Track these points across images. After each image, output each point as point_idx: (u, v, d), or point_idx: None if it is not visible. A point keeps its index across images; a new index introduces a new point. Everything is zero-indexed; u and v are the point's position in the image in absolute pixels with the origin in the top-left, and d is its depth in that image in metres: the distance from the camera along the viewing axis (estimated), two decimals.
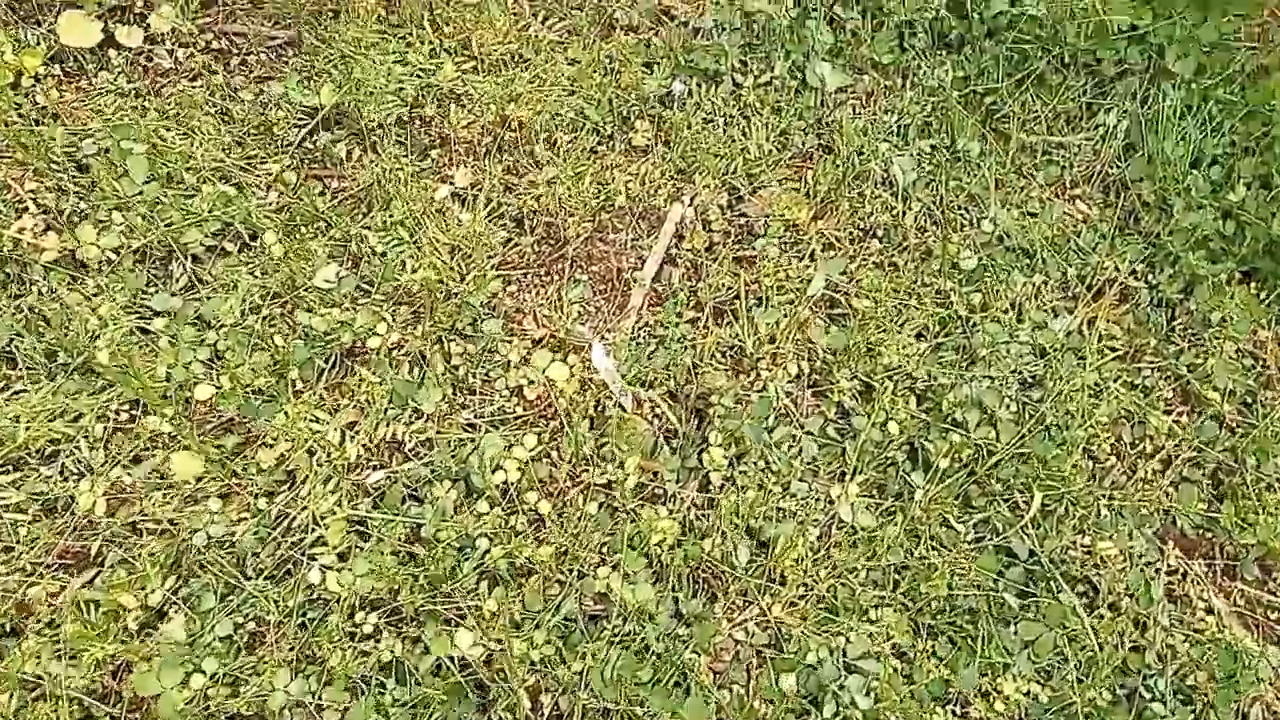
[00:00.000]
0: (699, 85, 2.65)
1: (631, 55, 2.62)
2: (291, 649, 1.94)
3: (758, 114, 2.63)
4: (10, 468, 2.05)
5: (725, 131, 2.60)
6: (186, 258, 2.28)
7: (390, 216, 2.34)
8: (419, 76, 2.49)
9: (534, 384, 2.20)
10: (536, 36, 2.63)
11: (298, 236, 2.31)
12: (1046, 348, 2.41)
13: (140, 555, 2.00)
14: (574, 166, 2.47)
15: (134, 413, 2.13)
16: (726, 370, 2.34)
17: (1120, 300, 2.56)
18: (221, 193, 2.28)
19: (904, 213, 2.53)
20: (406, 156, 2.46)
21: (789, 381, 2.31)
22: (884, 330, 2.36)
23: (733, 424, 2.17)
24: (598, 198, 2.47)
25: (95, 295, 2.18)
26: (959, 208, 2.61)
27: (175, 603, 1.97)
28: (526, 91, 2.48)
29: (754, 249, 2.47)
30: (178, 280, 2.27)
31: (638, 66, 2.61)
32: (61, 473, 2.07)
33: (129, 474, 2.05)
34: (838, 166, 2.54)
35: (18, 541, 1.99)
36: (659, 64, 2.68)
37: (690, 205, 2.49)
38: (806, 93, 2.69)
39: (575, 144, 2.51)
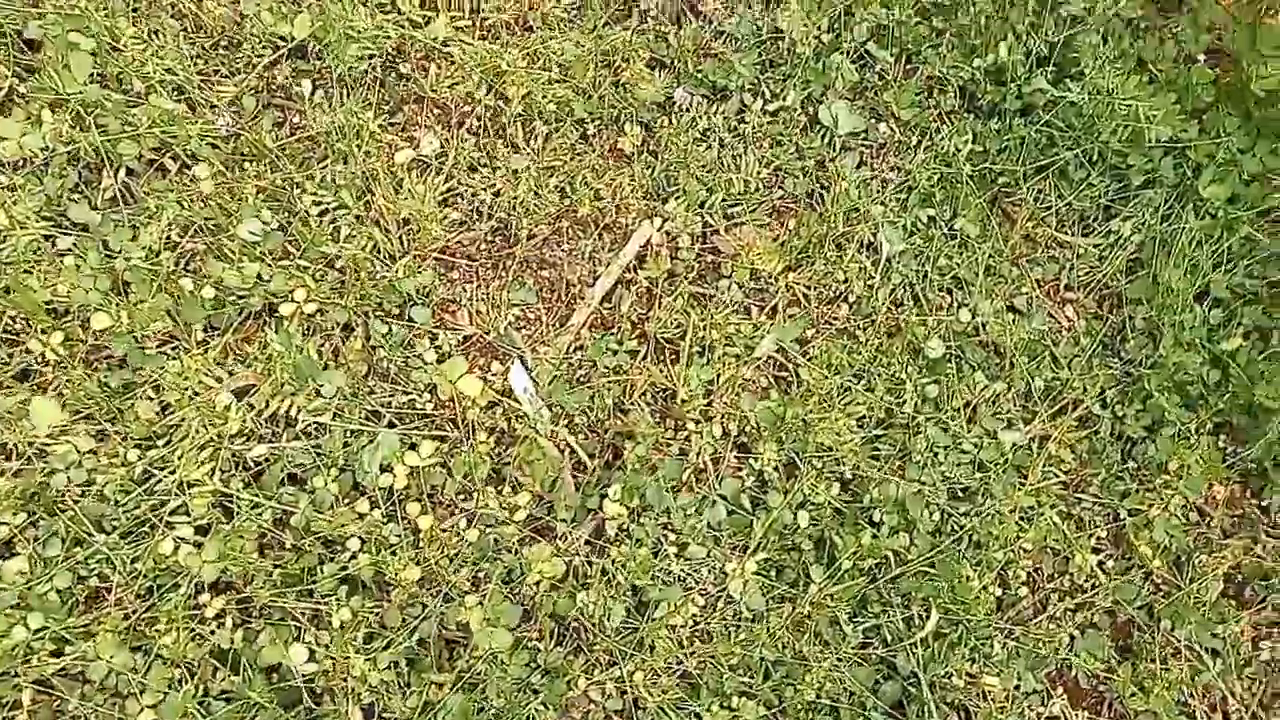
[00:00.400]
0: (703, 99, 2.47)
1: (638, 49, 2.43)
2: (127, 618, 1.86)
3: (756, 143, 2.45)
4: None
5: (718, 155, 2.43)
6: (118, 169, 2.14)
7: (338, 171, 2.19)
8: (406, 26, 2.30)
9: (446, 386, 2.09)
10: (544, 5, 2.43)
11: (236, 174, 2.16)
12: (987, 463, 2.29)
13: None
14: (547, 159, 2.31)
15: (22, 327, 2.01)
16: (653, 413, 2.22)
17: (1079, 424, 2.43)
18: (166, 110, 2.11)
19: (880, 285, 2.38)
20: (373, 109, 2.29)
21: (715, 440, 2.19)
22: (825, 407, 2.24)
23: (638, 479, 2.06)
24: (564, 199, 2.31)
25: (9, 190, 2.03)
26: (941, 289, 2.46)
27: (22, 540, 1.88)
28: (517, 66, 2.30)
29: (715, 289, 2.33)
30: (104, 192, 2.12)
31: (642, 64, 2.42)
32: None
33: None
34: (824, 222, 2.38)
35: None
36: (666, 66, 2.49)
37: (660, 228, 2.34)
38: (814, 131, 2.51)
39: (555, 136, 2.34)
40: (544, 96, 2.31)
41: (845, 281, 2.37)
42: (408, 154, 2.26)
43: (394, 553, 1.97)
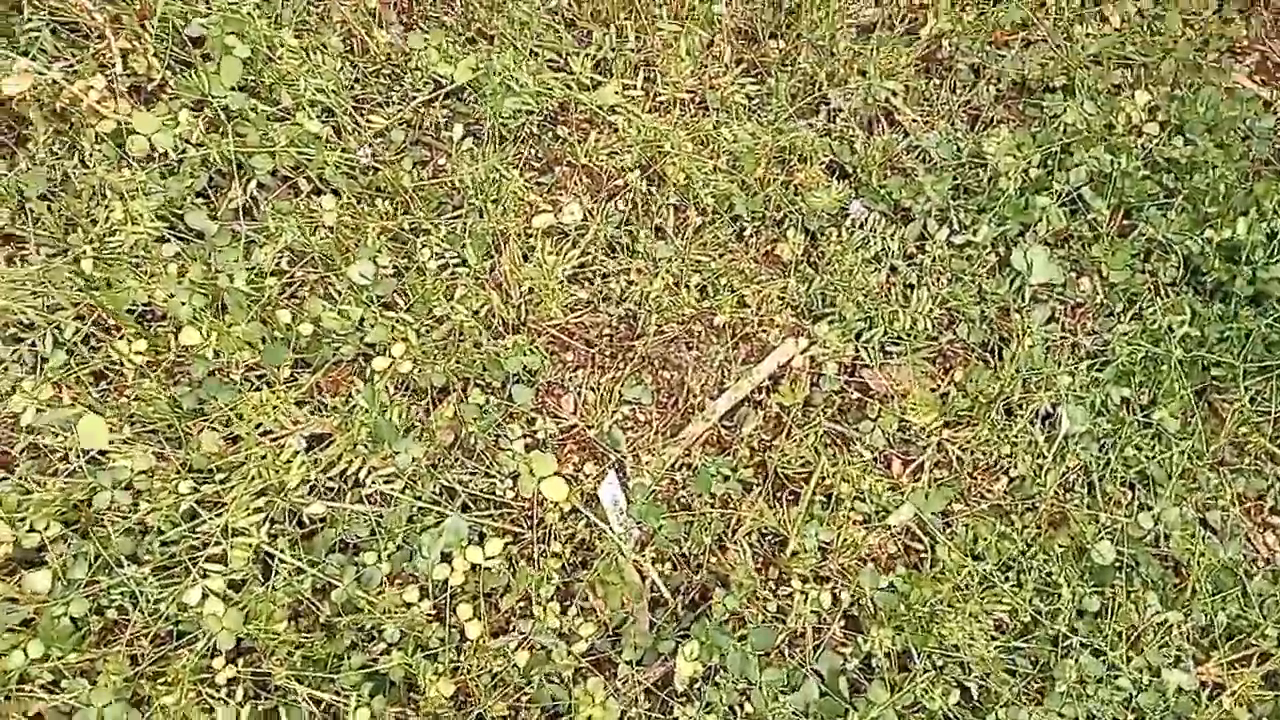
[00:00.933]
0: (881, 217, 2.20)
1: (819, 151, 2.19)
2: (134, 663, 1.68)
3: (933, 277, 2.16)
4: None
5: (886, 282, 2.14)
6: (249, 181, 2.03)
7: (470, 223, 2.02)
8: (572, 87, 2.13)
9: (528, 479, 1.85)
10: (724, 88, 2.23)
11: (364, 208, 2.02)
12: (1144, 708, 1.88)
13: (44, 485, 1.78)
14: (694, 253, 2.08)
15: (110, 328, 1.89)
16: (756, 558, 1.92)
17: (1265, 680, 1.99)
18: (310, 131, 1.99)
19: (1051, 466, 2.02)
20: (520, 165, 2.12)
21: (822, 608, 1.87)
22: (959, 598, 1.89)
23: (722, 635, 1.76)
24: (703, 299, 2.07)
25: (132, 186, 1.94)
26: (1122, 483, 2.08)
27: (51, 554, 1.73)
28: (682, 147, 2.09)
29: (855, 431, 2.02)
30: (229, 202, 2.01)
31: (820, 168, 2.18)
32: (16, 359, 1.87)
33: (68, 393, 1.82)
34: (997, 380, 2.05)
35: None
36: (847, 174, 2.24)
37: (805, 350, 2.06)
38: (1003, 274, 2.19)
39: (708, 229, 2.11)
40: (704, 185, 2.09)
41: (1010, 454, 2.02)
42: (547, 219, 2.07)
43: (432, 658, 1.73)
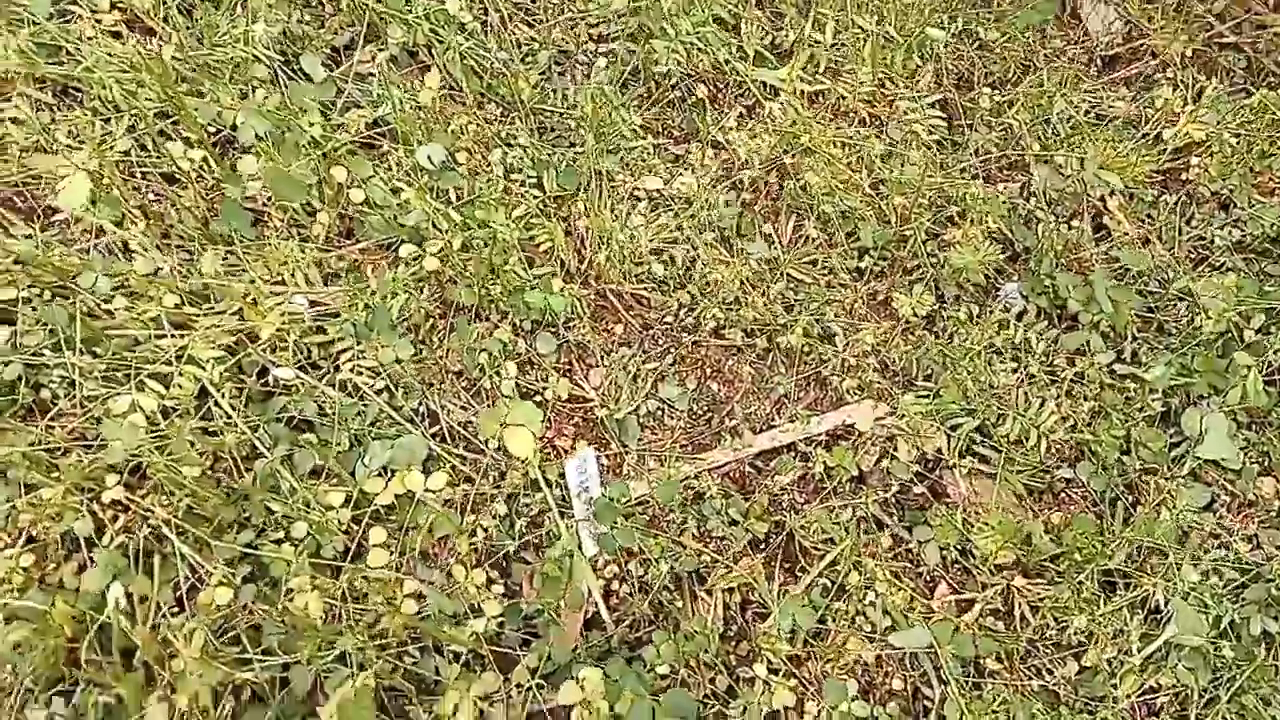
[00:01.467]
0: (1037, 312, 1.82)
1: (993, 211, 1.85)
2: (37, 445, 1.54)
3: (1073, 399, 1.75)
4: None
5: (1012, 384, 1.75)
6: (382, 51, 1.93)
7: (565, 155, 1.82)
8: (733, 54, 1.90)
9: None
10: (908, 114, 1.93)
11: (471, 104, 1.86)
12: None
13: (43, 244, 1.70)
14: (799, 268, 1.78)
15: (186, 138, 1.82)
16: (729, 624, 1.57)
17: None
18: (445, 9, 1.87)
19: (1133, 672, 1.55)
20: (658, 130, 1.91)
21: (777, 709, 1.49)
22: None
23: (634, 683, 1.42)
24: (786, 316, 1.76)
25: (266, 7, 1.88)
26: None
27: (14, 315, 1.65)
28: (830, 151, 1.82)
29: (905, 531, 1.64)
30: (356, 66, 1.92)
31: (983, 230, 1.83)
32: (87, 129, 1.83)
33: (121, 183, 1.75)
34: (1105, 542, 1.61)
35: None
36: (1015, 253, 1.88)
37: (879, 420, 1.71)
38: (1165, 429, 1.75)
39: (823, 246, 1.81)
40: (837, 196, 1.79)
41: (1088, 635, 1.57)
42: (655, 183, 1.84)
43: (320, 569, 1.50)
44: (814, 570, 1.56)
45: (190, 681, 1.38)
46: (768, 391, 1.73)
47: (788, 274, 1.75)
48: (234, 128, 1.87)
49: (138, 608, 1.44)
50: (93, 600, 1.43)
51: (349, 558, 1.52)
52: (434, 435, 1.66)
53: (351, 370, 1.66)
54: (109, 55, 1.85)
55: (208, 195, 1.80)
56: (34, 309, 1.65)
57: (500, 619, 1.49)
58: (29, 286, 1.66)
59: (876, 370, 1.72)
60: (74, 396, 1.60)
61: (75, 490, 1.52)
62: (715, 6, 1.91)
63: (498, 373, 1.69)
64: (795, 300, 1.76)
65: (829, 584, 1.56)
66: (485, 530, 1.56)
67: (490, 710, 1.45)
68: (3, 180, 1.76)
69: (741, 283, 1.74)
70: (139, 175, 1.81)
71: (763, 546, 1.63)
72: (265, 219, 1.82)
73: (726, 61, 1.91)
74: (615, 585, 1.59)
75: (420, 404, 1.69)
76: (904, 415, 1.66)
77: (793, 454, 1.70)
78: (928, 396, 1.68)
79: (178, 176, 1.80)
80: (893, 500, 1.68)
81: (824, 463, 1.66)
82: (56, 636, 1.40)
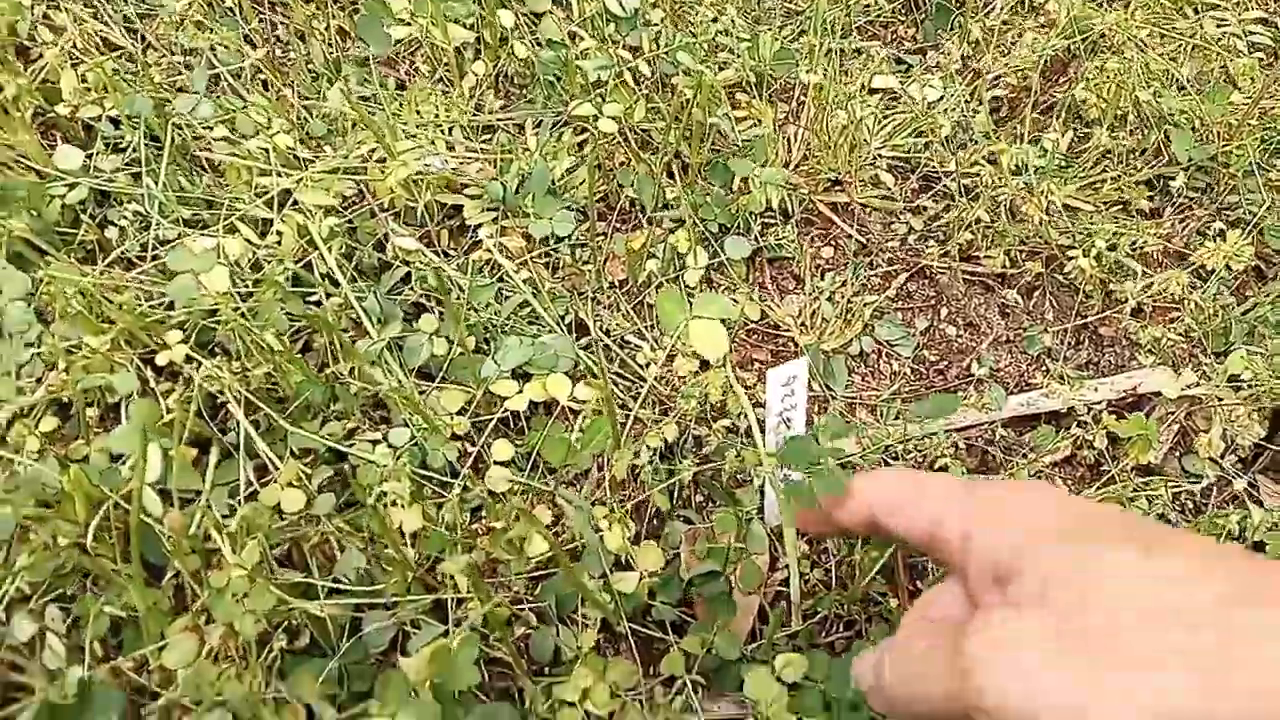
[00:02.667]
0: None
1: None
2: (106, 274, 1.20)
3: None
4: None
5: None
6: None
7: (780, 35, 1.45)
8: None
9: None
10: None
11: None
12: None
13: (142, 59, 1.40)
14: (1079, 176, 1.36)
15: None
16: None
17: None
18: None
19: None
20: (889, 35, 1.53)
21: None
22: None
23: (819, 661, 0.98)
24: (1068, 231, 1.33)
25: None
26: None
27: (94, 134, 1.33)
28: (1135, 39, 1.40)
29: None
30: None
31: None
32: None
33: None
34: None
35: None
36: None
37: (1187, 390, 1.25)
38: None
39: (1116, 162, 1.38)
40: (1138, 101, 1.37)
41: None
42: (890, 82, 1.46)
43: (421, 481, 1.11)
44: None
45: (231, 606, 1.00)
46: (1026, 340, 1.30)
47: (1064, 190, 1.32)
48: None
49: (175, 500, 1.07)
50: (120, 480, 1.07)
51: (459, 476, 1.13)
52: (582, 349, 1.28)
53: (495, 247, 1.29)
54: None
55: (341, 44, 1.49)
56: (118, 128, 1.34)
57: (654, 579, 1.08)
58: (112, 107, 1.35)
59: (1182, 328, 1.28)
60: (146, 238, 1.27)
61: (124, 345, 1.17)
62: None
63: (675, 279, 1.30)
64: (1079, 221, 1.33)
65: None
66: (638, 465, 1.15)
67: (628, 704, 1.03)
68: None
69: (1003, 180, 1.32)
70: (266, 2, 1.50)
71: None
72: (409, 79, 1.49)
73: None
74: (802, 565, 1.17)
75: (567, 312, 1.31)
76: (1224, 388, 1.21)
77: (1055, 426, 1.26)
78: (1263, 354, 1.23)
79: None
80: (1189, 503, 1.22)
81: (1107, 434, 1.21)
82: (67, 520, 1.04)
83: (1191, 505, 1.21)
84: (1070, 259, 1.27)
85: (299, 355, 1.21)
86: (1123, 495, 1.15)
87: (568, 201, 1.33)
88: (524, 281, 1.28)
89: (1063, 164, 1.33)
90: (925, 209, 1.38)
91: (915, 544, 0.70)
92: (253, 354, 1.14)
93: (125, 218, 1.28)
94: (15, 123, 1.29)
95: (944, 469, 1.18)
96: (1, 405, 1.13)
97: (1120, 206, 1.36)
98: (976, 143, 1.36)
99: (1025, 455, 1.22)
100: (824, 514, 0.79)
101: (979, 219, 1.30)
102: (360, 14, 1.36)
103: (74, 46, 1.41)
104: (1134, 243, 1.29)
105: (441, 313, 1.24)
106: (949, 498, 0.67)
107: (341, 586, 1.05)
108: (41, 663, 1.00)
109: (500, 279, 1.27)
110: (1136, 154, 1.40)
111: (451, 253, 1.33)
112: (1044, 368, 1.29)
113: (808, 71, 1.37)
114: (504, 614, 1.02)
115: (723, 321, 1.08)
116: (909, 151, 1.42)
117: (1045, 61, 1.46)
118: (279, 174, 1.28)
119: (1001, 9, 1.56)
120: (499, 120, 1.42)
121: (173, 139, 1.31)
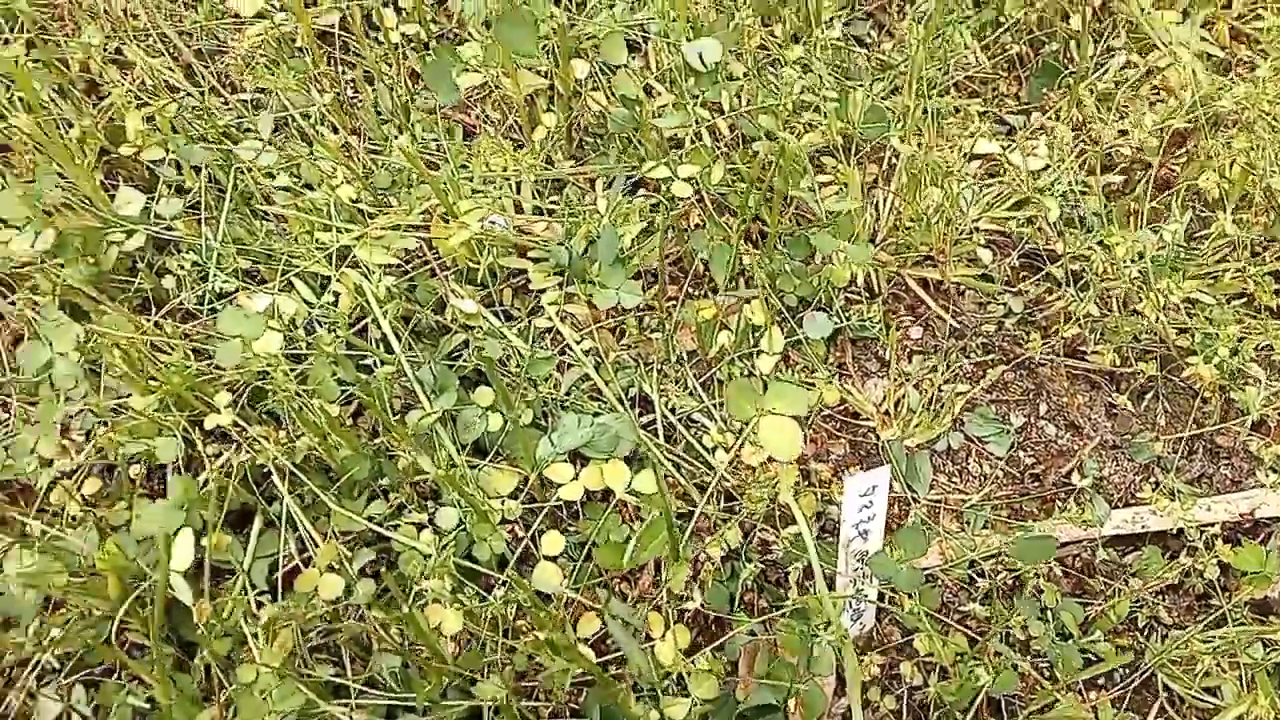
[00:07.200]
0: None
1: None
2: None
3: None
4: None
5: None
6: None
7: (870, 91, 1.35)
8: None
9: None
10: None
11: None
12: None
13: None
14: (1201, 266, 1.23)
15: None
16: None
17: None
18: None
19: None
20: (988, 99, 1.42)
21: None
22: None
23: None
24: (1179, 360, 1.21)
25: None
26: None
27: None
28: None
29: None
30: None
31: None
32: None
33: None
34: None
35: None
36: None
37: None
38: None
39: (1241, 254, 1.25)
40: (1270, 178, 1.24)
41: None
42: (991, 147, 1.35)
43: (464, 577, 1.04)
44: None
45: (258, 705, 0.94)
46: (1135, 449, 1.18)
47: (1184, 287, 1.19)
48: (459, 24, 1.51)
49: (206, 578, 1.02)
50: (153, 554, 1.02)
51: (506, 569, 1.06)
52: (645, 427, 1.20)
53: (557, 314, 1.22)
54: None
55: (411, 87, 1.43)
56: (180, 173, 1.30)
57: (708, 706, 0.99)
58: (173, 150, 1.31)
59: None
60: (202, 290, 1.23)
61: (172, 407, 1.13)
62: None
63: (748, 355, 1.21)
64: (1190, 323, 1.21)
65: None
66: (698, 567, 1.07)
67: None
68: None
69: (1115, 269, 1.20)
70: (337, 44, 1.46)
71: (1108, 679, 1.07)
72: (478, 126, 1.43)
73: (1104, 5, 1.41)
74: (873, 693, 1.07)
75: (631, 385, 1.23)
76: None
77: (1162, 547, 1.14)
78: None
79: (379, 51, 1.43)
80: None
81: (1215, 567, 1.09)
82: (99, 596, 1.00)
83: None
84: (1189, 362, 1.14)
85: (349, 424, 1.16)
86: (1234, 637, 1.03)
87: (637, 267, 1.25)
88: (586, 352, 1.21)
89: (1181, 251, 1.21)
90: (1026, 292, 1.27)
91: None
92: (301, 422, 1.09)
93: (183, 267, 1.23)
94: (80, 167, 1.25)
95: (1038, 592, 1.07)
96: (45, 467, 1.09)
97: (1244, 300, 1.23)
98: (1088, 226, 1.24)
99: (1127, 581, 1.10)
100: None
101: (1088, 313, 1.18)
102: (430, 60, 1.29)
103: (141, 85, 1.38)
104: (1260, 345, 1.16)
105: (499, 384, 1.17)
106: None
107: (373, 690, 0.98)
108: None
109: (563, 350, 1.20)
110: (1264, 243, 1.26)
111: (516, 313, 1.26)
112: (1153, 479, 1.17)
113: (901, 138, 1.27)
114: None
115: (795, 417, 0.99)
116: (1009, 225, 1.31)
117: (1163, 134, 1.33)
118: (340, 230, 1.22)
119: (1114, 69, 1.44)
120: (569, 174, 1.35)
121: (234, 186, 1.27)
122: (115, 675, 1.01)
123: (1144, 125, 1.29)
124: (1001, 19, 1.48)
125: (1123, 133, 1.32)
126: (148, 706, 0.95)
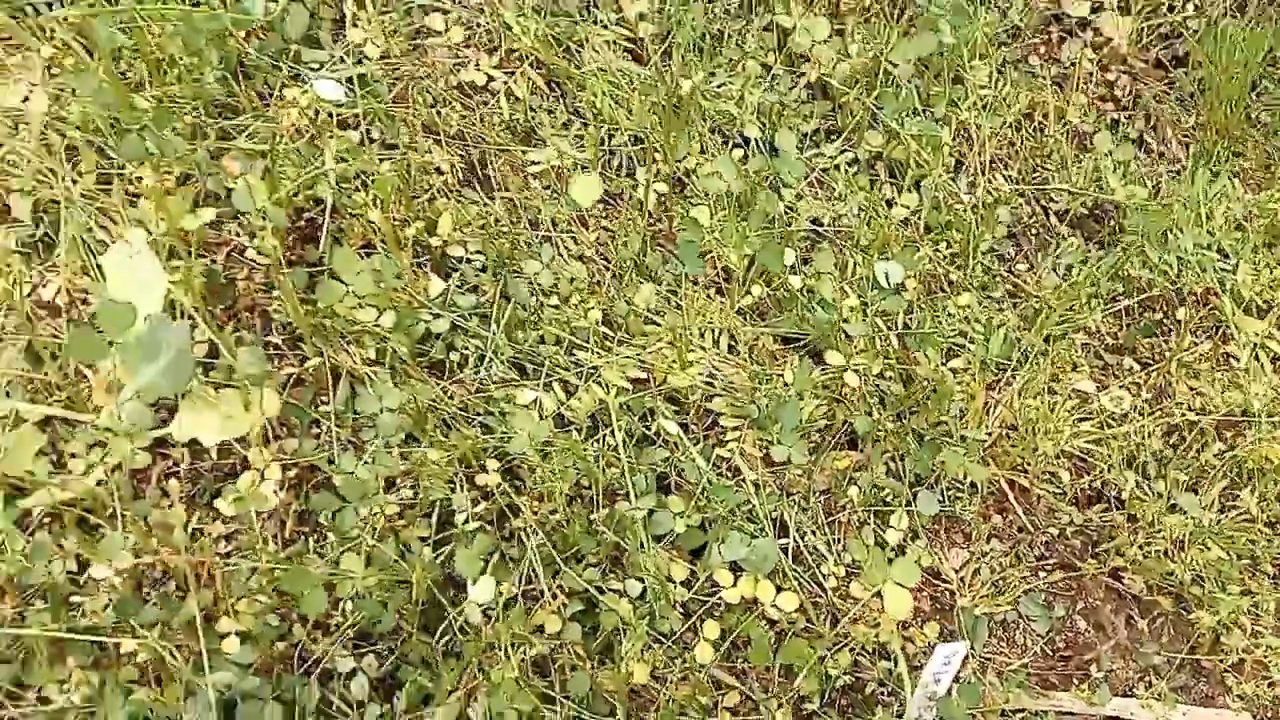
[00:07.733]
0: None
1: None
2: None
3: None
4: None
5: None
6: None
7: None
8: None
9: None
10: None
11: None
12: None
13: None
14: (1227, 571, 1.62)
15: None
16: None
17: None
18: None
19: None
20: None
21: None
22: None
23: None
24: (1194, 604, 1.60)
25: None
26: None
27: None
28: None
29: None
30: None
31: None
32: None
33: None
34: None
35: None
36: None
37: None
38: None
39: (1262, 554, 1.64)
40: None
41: None
42: (1089, 384, 1.73)
43: (621, 632, 1.45)
44: None
45: (503, 695, 1.36)
46: (1140, 656, 1.58)
47: (1207, 544, 1.58)
48: (688, 174, 1.90)
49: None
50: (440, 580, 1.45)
51: (673, 640, 1.47)
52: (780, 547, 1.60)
53: (734, 449, 1.62)
54: (603, 68, 1.92)
55: (651, 229, 1.83)
56: (478, 272, 1.71)
57: None
58: (475, 251, 1.72)
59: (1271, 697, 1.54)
60: (480, 370, 1.63)
61: (455, 462, 1.54)
62: (1224, 236, 1.79)
63: (878, 516, 1.61)
64: (1202, 573, 1.60)
65: None
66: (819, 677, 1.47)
67: None
68: (492, 142, 1.84)
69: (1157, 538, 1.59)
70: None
71: None
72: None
73: (1210, 292, 1.79)
74: None
75: (777, 508, 1.63)
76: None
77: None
78: None
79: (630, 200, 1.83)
80: None
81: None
82: (406, 603, 1.41)
83: None
84: (1196, 606, 1.53)
85: (582, 510, 1.56)
86: None
87: (808, 428, 1.65)
88: (751, 484, 1.61)
89: (1216, 520, 1.60)
90: (1091, 520, 1.65)
91: None
92: (549, 498, 1.50)
93: (468, 348, 1.64)
94: (405, 252, 1.66)
95: None
96: (381, 508, 1.48)
97: (1251, 562, 1.62)
98: (1150, 480, 1.63)
99: None
100: None
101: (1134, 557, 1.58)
102: (681, 232, 1.70)
103: (447, 184, 1.78)
104: (1254, 603, 1.55)
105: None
106: None
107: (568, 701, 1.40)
108: None
109: (738, 483, 1.60)
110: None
111: (709, 436, 1.66)
112: (1147, 680, 1.56)
113: (1017, 373, 1.66)
114: None
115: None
116: (1089, 455, 1.70)
117: (1224, 410, 1.71)
118: (591, 350, 1.63)
119: (1202, 341, 1.81)
120: (766, 331, 1.74)
121: (512, 303, 1.66)
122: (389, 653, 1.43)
123: (1215, 407, 1.68)
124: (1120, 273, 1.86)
125: (1201, 410, 1.70)
126: (429, 684, 1.37)
